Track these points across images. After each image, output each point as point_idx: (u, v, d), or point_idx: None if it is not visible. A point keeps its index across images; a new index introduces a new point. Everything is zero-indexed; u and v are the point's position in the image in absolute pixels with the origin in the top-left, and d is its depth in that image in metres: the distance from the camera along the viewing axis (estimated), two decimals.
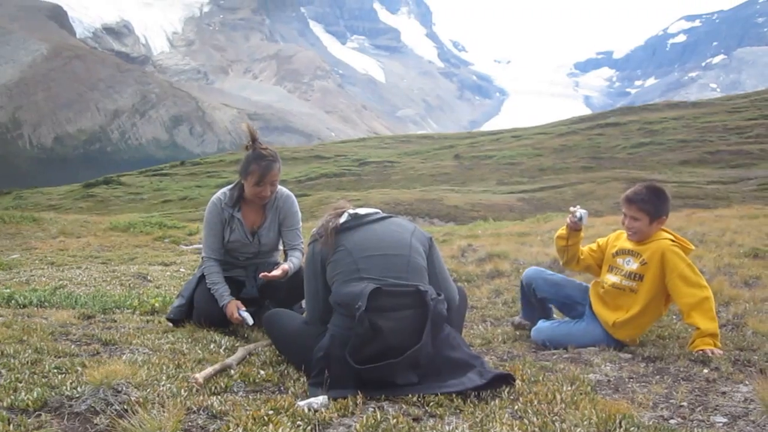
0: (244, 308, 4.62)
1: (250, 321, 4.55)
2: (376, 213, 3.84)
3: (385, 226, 3.76)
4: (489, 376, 3.36)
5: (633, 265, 4.66)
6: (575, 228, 4.96)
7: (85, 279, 7.70)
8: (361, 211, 3.81)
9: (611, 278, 4.79)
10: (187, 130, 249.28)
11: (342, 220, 3.73)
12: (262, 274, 4.58)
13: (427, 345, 3.35)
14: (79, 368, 3.40)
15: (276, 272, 4.54)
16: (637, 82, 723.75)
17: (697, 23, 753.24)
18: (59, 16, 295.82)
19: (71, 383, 3.11)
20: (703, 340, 4.37)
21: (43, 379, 3.20)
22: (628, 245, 4.78)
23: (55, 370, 3.37)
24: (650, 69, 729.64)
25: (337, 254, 3.64)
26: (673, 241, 4.57)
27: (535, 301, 5.23)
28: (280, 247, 5.10)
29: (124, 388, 3.08)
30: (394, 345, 3.33)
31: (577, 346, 4.68)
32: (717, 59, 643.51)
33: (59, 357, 3.68)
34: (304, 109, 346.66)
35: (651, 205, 4.61)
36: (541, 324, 5.00)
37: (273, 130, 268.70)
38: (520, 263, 8.62)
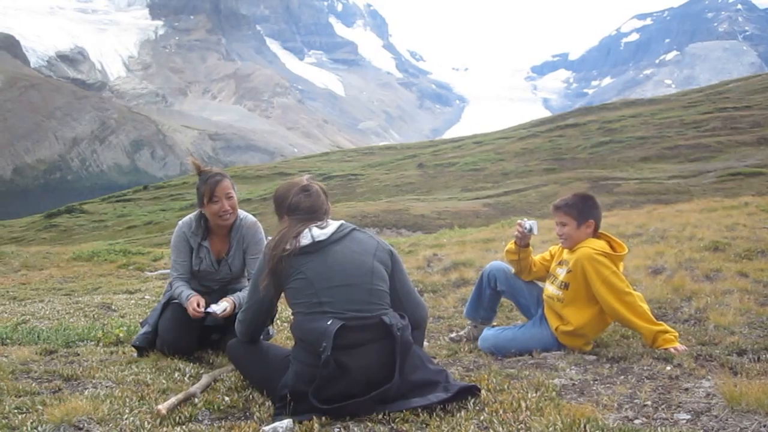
0: (204, 308, 4.60)
1: (218, 309, 4.51)
2: (338, 230, 3.63)
3: (346, 247, 3.58)
4: (454, 390, 3.38)
5: (563, 274, 4.74)
6: (524, 243, 5.01)
7: (47, 312, 7.55)
8: (323, 232, 3.59)
9: (548, 288, 4.88)
10: (149, 154, 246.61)
11: (303, 243, 3.54)
12: (213, 311, 4.56)
13: (397, 380, 3.32)
14: (40, 407, 3.35)
15: (223, 311, 4.53)
16: (594, 83, 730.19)
17: (648, 21, 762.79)
18: (12, 46, 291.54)
19: (32, 423, 3.07)
20: (665, 337, 4.43)
21: (4, 420, 3.15)
22: (565, 255, 4.87)
23: (16, 411, 3.32)
24: (606, 69, 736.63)
25: (297, 281, 3.50)
26: (596, 249, 4.61)
27: (488, 297, 5.28)
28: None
29: (85, 425, 3.04)
30: (361, 381, 3.30)
31: (523, 351, 4.73)
32: (670, 56, 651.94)
33: (20, 396, 3.61)
34: (265, 126, 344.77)
35: (575, 209, 4.73)
36: (486, 332, 5.03)
37: (235, 149, 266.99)
38: None
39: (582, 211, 4.73)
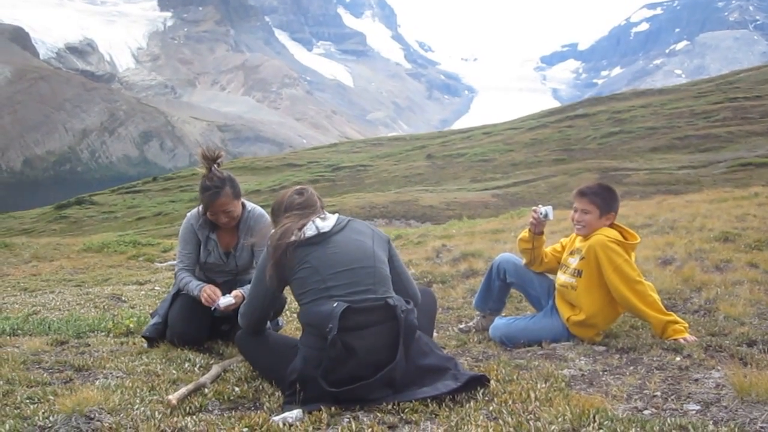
0: (220, 296, 4.58)
1: (222, 303, 4.51)
2: (338, 222, 3.72)
3: (346, 236, 3.67)
4: (464, 379, 3.38)
5: (576, 262, 4.72)
6: (538, 230, 4.99)
7: (58, 303, 7.58)
8: (326, 224, 3.67)
9: (561, 277, 4.86)
10: (158, 145, 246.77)
11: (308, 234, 3.62)
12: (217, 305, 4.55)
13: (401, 361, 3.35)
14: (52, 397, 3.35)
15: (228, 304, 4.52)
16: (604, 73, 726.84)
17: (658, 11, 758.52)
18: (21, 38, 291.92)
19: (43, 413, 3.07)
20: (675, 328, 4.42)
21: (16, 411, 3.16)
22: (578, 244, 4.84)
23: (27, 401, 3.32)
24: (615, 59, 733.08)
25: (303, 271, 3.56)
26: (609, 237, 4.58)
27: (497, 288, 5.27)
28: None
29: (96, 415, 3.05)
30: (368, 363, 3.33)
31: (534, 341, 4.73)
32: (680, 45, 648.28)
33: (31, 387, 3.62)
34: (274, 117, 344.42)
35: (601, 198, 4.70)
36: (498, 321, 5.02)
37: (244, 141, 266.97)
38: None
39: (607, 201, 4.71)
